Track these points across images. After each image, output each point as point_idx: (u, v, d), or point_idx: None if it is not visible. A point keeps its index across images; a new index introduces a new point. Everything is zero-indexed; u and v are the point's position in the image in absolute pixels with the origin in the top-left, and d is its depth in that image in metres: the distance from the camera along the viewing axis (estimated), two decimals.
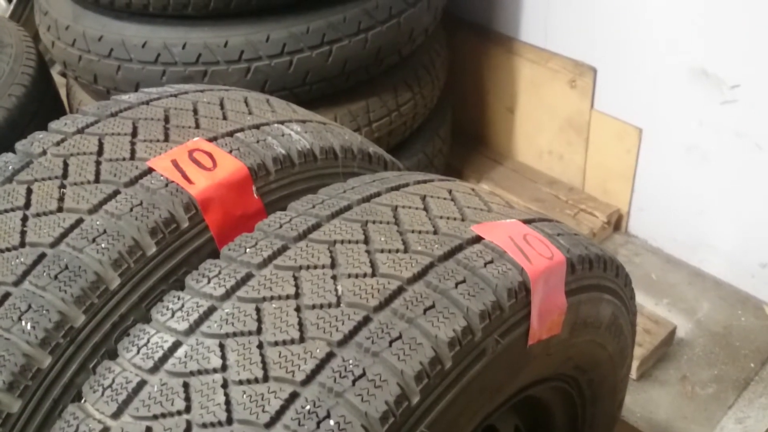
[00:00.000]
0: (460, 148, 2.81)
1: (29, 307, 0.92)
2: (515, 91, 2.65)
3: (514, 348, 0.87)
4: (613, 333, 1.14)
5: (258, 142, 1.13)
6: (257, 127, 1.17)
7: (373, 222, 0.92)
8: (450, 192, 1.03)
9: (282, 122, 1.21)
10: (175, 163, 1.04)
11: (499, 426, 1.11)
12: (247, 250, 0.91)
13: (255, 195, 1.08)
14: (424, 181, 1.06)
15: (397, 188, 1.02)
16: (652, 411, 2.05)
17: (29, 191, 1.02)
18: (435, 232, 0.91)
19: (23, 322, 0.91)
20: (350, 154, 1.24)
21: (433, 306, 0.81)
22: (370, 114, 2.16)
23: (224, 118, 1.18)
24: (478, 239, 0.91)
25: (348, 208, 0.96)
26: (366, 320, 0.80)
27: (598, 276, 1.04)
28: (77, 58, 2.05)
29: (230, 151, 1.08)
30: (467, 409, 0.83)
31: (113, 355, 0.94)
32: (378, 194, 0.99)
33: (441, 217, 0.95)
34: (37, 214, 0.99)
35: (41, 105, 2.07)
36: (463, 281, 0.84)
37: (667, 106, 2.29)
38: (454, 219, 0.95)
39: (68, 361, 0.92)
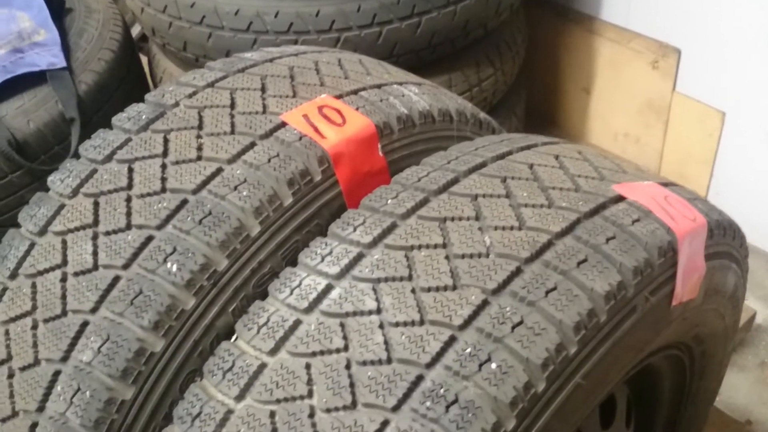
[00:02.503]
0: (533, 129, 2.78)
1: (174, 249, 0.94)
2: (593, 71, 2.62)
3: (659, 308, 0.87)
4: (733, 304, 1.13)
5: (381, 101, 1.13)
6: (378, 86, 1.18)
7: (512, 178, 0.93)
8: (580, 153, 1.03)
9: (400, 83, 1.22)
10: (306, 118, 1.06)
11: (617, 395, 1.11)
12: (389, 201, 0.92)
13: (380, 153, 1.09)
14: (553, 143, 1.06)
15: (527, 148, 1.02)
16: (731, 396, 2.03)
17: (166, 140, 1.04)
18: (576, 190, 0.91)
19: (168, 264, 0.93)
20: (464, 118, 1.24)
21: (586, 260, 0.81)
22: (452, 88, 2.16)
23: (346, 77, 1.19)
24: (621, 198, 0.91)
25: (483, 164, 0.96)
26: (518, 271, 0.80)
27: (728, 244, 1.03)
28: (167, 24, 2.08)
29: (357, 109, 1.09)
30: (615, 365, 0.83)
31: (251, 300, 0.97)
32: (510, 152, 1.00)
33: (579, 176, 0.94)
34: (177, 162, 1.01)
35: (128, 70, 2.11)
36: (614, 237, 0.84)
37: (753, 90, 2.24)
38: (593, 178, 0.95)
39: (210, 303, 0.95)
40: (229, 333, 0.95)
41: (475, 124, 1.27)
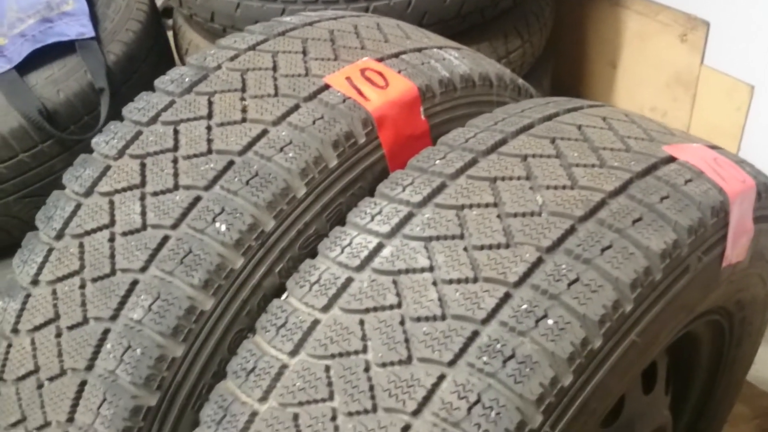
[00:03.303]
0: None
1: (222, 209, 0.94)
2: (619, 44, 2.59)
3: (710, 269, 0.87)
4: None
5: (423, 64, 1.13)
6: (419, 50, 1.17)
7: (561, 138, 0.92)
8: (627, 115, 1.02)
9: (440, 47, 1.21)
10: (349, 81, 1.05)
11: (658, 362, 1.11)
12: (437, 161, 0.92)
13: (422, 116, 1.09)
14: (598, 105, 1.05)
15: (574, 110, 1.01)
16: (758, 369, 2.03)
17: (210, 102, 1.04)
18: (627, 150, 0.91)
19: (217, 224, 0.94)
20: (503, 83, 1.23)
21: (640, 219, 0.81)
22: None
23: (386, 40, 1.18)
24: (672, 159, 0.91)
25: (531, 125, 0.96)
26: (573, 229, 0.80)
27: None
28: None
29: (399, 72, 1.09)
30: (668, 324, 0.83)
31: (297, 261, 0.97)
32: (557, 114, 0.99)
33: (629, 137, 0.94)
34: (222, 124, 1.01)
35: (155, 42, 2.11)
36: (667, 197, 0.84)
37: None
38: (642, 139, 0.94)
39: (258, 263, 0.95)
40: (275, 294, 0.95)
41: (514, 89, 1.26)
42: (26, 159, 1.76)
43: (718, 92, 2.41)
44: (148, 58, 2.06)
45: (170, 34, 2.46)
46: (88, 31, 1.88)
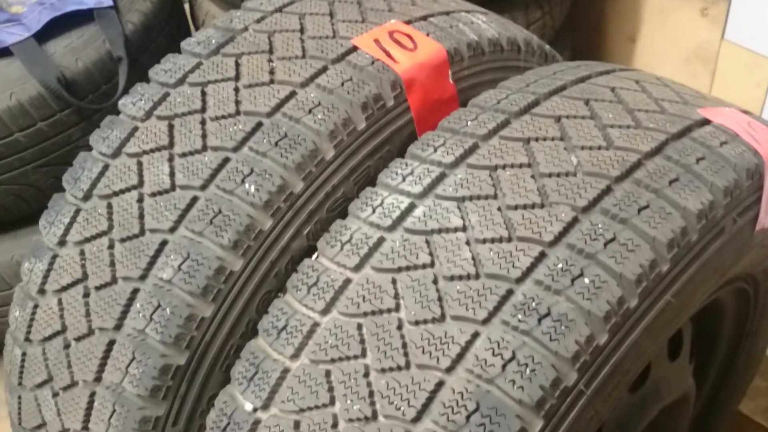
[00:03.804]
0: None
1: (251, 170, 0.94)
2: (639, 19, 2.56)
3: (743, 232, 0.86)
4: None
5: (451, 27, 1.11)
6: (447, 13, 1.16)
7: (595, 100, 0.91)
8: (659, 79, 1.01)
9: (467, 11, 1.20)
10: (377, 43, 1.04)
11: (684, 330, 1.11)
12: (469, 122, 0.91)
13: (450, 80, 1.07)
14: (630, 69, 1.04)
15: (606, 72, 1.00)
16: None
17: (237, 64, 1.04)
18: (662, 112, 0.90)
19: (246, 185, 0.93)
20: (531, 49, 1.22)
21: (677, 179, 0.80)
22: None
23: (413, 3, 1.17)
24: (707, 121, 0.89)
25: (564, 87, 0.95)
26: (609, 189, 0.80)
27: None
28: None
29: (427, 34, 1.08)
30: (702, 286, 0.83)
31: (325, 224, 0.97)
32: (589, 77, 0.98)
33: (663, 100, 0.93)
34: (249, 85, 1.01)
35: (172, 12, 2.10)
36: (703, 158, 0.83)
37: None
38: (677, 102, 0.93)
39: (286, 225, 0.95)
40: (303, 256, 0.95)
41: (541, 55, 1.25)
42: (45, 128, 1.76)
43: (738, 67, 2.39)
44: (166, 28, 2.04)
45: (187, 6, 2.45)
46: (106, 0, 1.87)
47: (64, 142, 1.80)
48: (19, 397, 1.05)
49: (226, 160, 0.96)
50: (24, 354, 1.03)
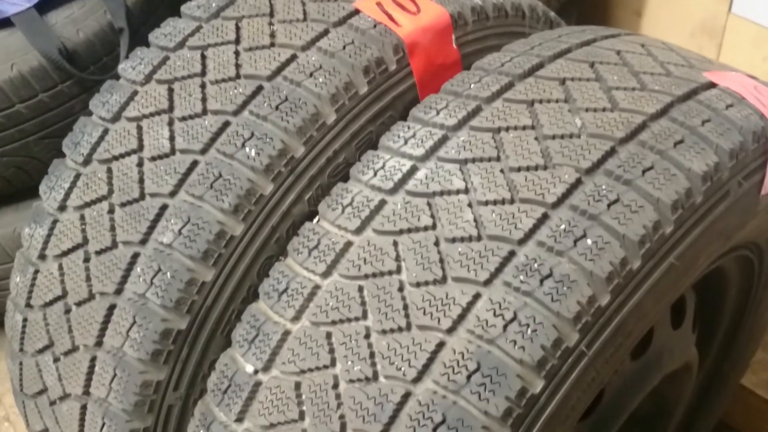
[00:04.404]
0: None
1: (252, 134, 0.93)
2: None
3: (749, 196, 0.85)
4: None
5: None
6: None
7: (600, 63, 0.90)
8: (665, 44, 1.00)
9: None
10: (380, 6, 1.03)
11: (687, 298, 1.10)
12: (472, 85, 0.90)
13: (454, 45, 1.06)
14: (635, 34, 1.02)
15: (612, 36, 0.99)
16: None
17: (238, 27, 1.02)
18: (667, 75, 0.88)
19: (247, 149, 0.93)
20: (536, 15, 1.20)
21: (682, 141, 0.79)
22: None
23: None
24: (712, 85, 0.88)
25: (569, 50, 0.93)
26: (613, 150, 0.79)
27: None
28: None
29: None
30: (705, 250, 0.82)
31: (326, 189, 0.96)
32: (594, 40, 0.96)
33: (669, 63, 0.91)
34: (250, 48, 0.99)
35: None
36: (709, 120, 0.82)
37: None
38: (682, 65, 0.92)
39: (287, 190, 0.94)
40: (304, 221, 0.94)
41: (546, 22, 1.23)
42: (46, 99, 1.75)
43: (745, 41, 2.36)
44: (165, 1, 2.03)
45: None
46: None
47: (66, 113, 1.79)
48: (21, 363, 1.05)
49: (227, 124, 0.95)
50: (25, 320, 1.03)
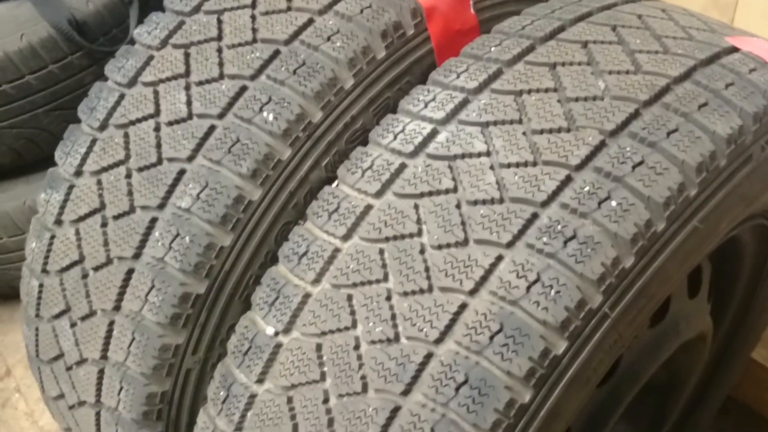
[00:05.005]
0: None
1: (269, 99, 0.93)
2: None
3: None
4: None
5: None
6: None
7: (622, 26, 0.89)
8: (685, 10, 0.98)
9: None
10: None
11: (703, 268, 1.10)
12: (493, 48, 0.89)
13: (472, 10, 1.05)
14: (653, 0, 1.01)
15: (632, 1, 0.97)
16: None
17: None
18: (690, 39, 0.87)
19: (265, 113, 0.92)
20: None
21: (706, 104, 0.79)
22: None
23: None
24: (735, 49, 0.87)
25: (590, 14, 0.92)
26: (637, 113, 0.78)
27: None
28: None
29: None
30: (728, 214, 0.81)
31: (343, 156, 0.95)
32: (615, 4, 0.95)
33: (690, 28, 0.90)
34: (266, 12, 0.98)
35: None
36: (732, 84, 0.81)
37: None
38: (704, 30, 0.91)
39: (305, 155, 0.94)
40: (321, 187, 0.94)
41: None
42: (56, 70, 1.74)
43: (757, 17, 2.33)
44: None
45: None
46: None
47: (76, 85, 1.79)
48: (36, 329, 1.06)
49: (244, 89, 0.94)
50: (41, 285, 1.03)
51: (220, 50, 0.97)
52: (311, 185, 0.95)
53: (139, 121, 0.97)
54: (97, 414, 1.00)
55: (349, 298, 0.77)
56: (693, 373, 1.28)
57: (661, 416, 1.32)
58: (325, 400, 0.75)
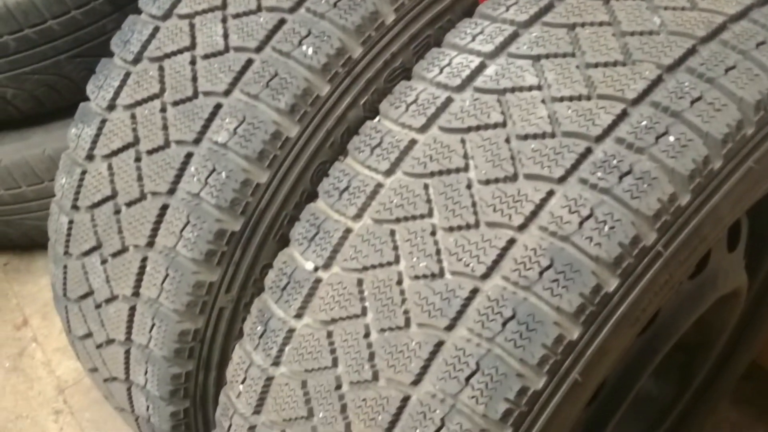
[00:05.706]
0: None
1: (309, 32, 0.90)
2: None
3: None
4: None
5: None
6: None
7: None
8: None
9: None
10: None
11: (742, 222, 1.08)
12: None
13: None
14: None
15: None
16: None
17: None
18: None
19: (304, 47, 0.90)
20: None
21: (764, 42, 0.76)
22: None
23: None
24: None
25: None
26: (694, 48, 0.75)
27: None
28: None
29: None
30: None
31: (382, 95, 0.93)
32: None
33: None
34: None
35: None
36: None
37: None
38: None
39: (344, 92, 0.91)
40: (359, 127, 0.92)
41: None
42: (78, 16, 1.71)
43: None
44: None
45: None
46: None
47: (98, 32, 1.76)
48: (65, 267, 1.05)
49: (282, 21, 0.92)
50: (71, 222, 1.01)
51: None
52: (349, 124, 0.92)
53: (174, 54, 0.94)
54: (127, 352, 0.99)
55: (392, 233, 0.76)
56: (723, 332, 1.26)
57: (689, 376, 1.31)
58: (366, 335, 0.74)
